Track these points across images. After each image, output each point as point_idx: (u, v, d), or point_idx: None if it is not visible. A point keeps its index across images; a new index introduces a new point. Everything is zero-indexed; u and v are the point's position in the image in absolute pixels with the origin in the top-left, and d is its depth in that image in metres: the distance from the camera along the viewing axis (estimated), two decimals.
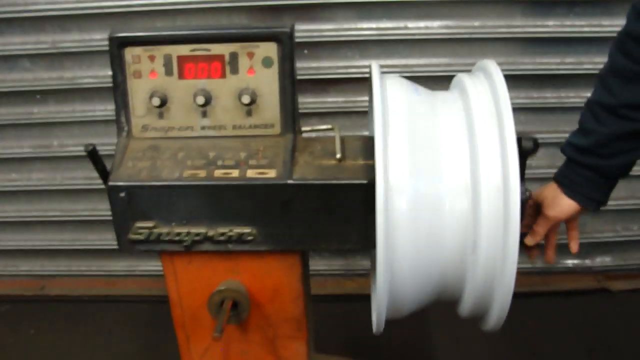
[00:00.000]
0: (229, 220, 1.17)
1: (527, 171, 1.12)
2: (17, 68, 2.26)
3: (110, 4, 2.12)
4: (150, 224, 1.18)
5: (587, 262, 2.56)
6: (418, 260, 1.03)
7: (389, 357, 2.13)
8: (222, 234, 1.17)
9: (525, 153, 1.08)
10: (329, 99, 2.28)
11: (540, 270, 2.51)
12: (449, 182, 1.03)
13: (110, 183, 1.16)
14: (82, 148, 1.16)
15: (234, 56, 1.18)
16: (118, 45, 1.19)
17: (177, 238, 1.18)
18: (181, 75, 1.20)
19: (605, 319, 2.34)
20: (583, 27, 2.14)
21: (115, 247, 1.21)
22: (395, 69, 2.19)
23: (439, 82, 1.49)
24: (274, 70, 1.19)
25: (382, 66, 1.16)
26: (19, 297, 2.57)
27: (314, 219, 1.15)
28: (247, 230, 1.17)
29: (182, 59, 1.19)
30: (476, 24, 2.15)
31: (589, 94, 1.23)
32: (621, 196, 2.37)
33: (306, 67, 2.19)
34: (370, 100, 1.28)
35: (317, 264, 2.55)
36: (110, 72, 1.22)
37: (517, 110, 1.03)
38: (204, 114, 1.22)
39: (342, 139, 1.21)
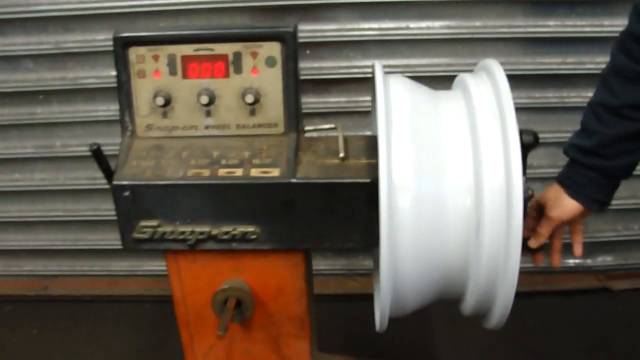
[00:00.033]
0: (232, 219, 1.17)
1: (528, 171, 1.12)
2: (20, 68, 2.27)
3: (113, 5, 2.12)
4: (154, 222, 1.18)
5: (589, 261, 2.56)
6: (421, 258, 1.04)
7: (391, 356, 2.13)
8: (226, 233, 1.18)
9: (525, 147, 1.08)
10: (331, 99, 2.28)
11: (542, 269, 2.51)
12: (452, 181, 1.04)
13: (115, 182, 1.17)
14: (85, 148, 1.17)
15: (237, 56, 1.19)
16: (122, 45, 1.20)
17: (181, 237, 1.19)
18: (185, 75, 1.21)
19: (607, 318, 2.34)
20: (584, 27, 2.15)
21: (118, 247, 1.22)
22: (397, 69, 2.20)
23: (441, 82, 1.49)
24: (278, 69, 1.20)
25: (384, 66, 1.17)
26: (22, 297, 2.58)
27: (317, 218, 1.16)
28: (250, 229, 1.17)
29: (186, 59, 1.20)
30: (477, 24, 2.16)
31: (590, 94, 1.23)
32: (622, 196, 2.37)
33: (308, 67, 2.19)
34: (374, 100, 1.29)
35: (319, 264, 2.55)
36: (113, 72, 1.23)
37: (518, 110, 1.03)
38: (208, 114, 1.23)
39: (345, 139, 1.21)
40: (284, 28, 1.18)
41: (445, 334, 2.26)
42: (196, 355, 1.38)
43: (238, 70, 1.20)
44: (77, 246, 2.58)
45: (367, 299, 1.42)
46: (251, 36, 1.18)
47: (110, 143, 1.58)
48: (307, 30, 2.14)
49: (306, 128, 1.27)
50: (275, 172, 1.15)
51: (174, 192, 1.16)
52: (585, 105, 1.24)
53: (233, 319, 1.26)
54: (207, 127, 1.23)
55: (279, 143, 1.21)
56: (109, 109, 2.28)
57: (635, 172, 1.24)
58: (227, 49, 1.19)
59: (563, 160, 1.27)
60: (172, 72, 1.21)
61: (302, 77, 1.24)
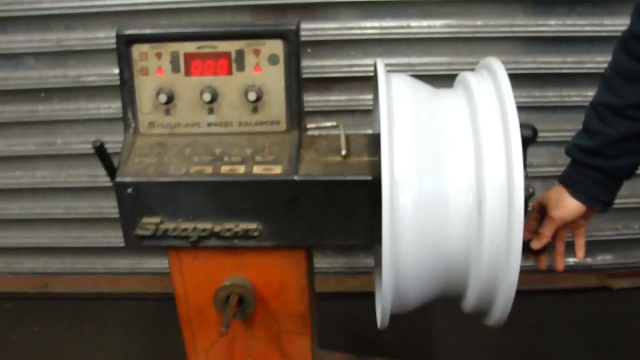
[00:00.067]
0: (235, 216, 1.18)
1: (528, 170, 1.13)
2: (22, 66, 2.27)
3: (115, 3, 2.12)
4: (156, 219, 1.19)
5: (589, 260, 2.57)
6: (423, 255, 1.04)
7: (391, 354, 2.14)
8: (228, 230, 1.18)
9: (524, 141, 1.08)
10: (332, 98, 2.28)
11: None
12: (454, 178, 1.04)
13: (118, 179, 1.17)
14: (86, 146, 1.18)
15: (240, 53, 1.20)
16: (125, 43, 1.21)
17: (183, 234, 1.19)
18: (188, 72, 1.21)
19: (607, 317, 2.34)
20: (584, 27, 2.15)
21: (119, 244, 1.23)
22: (398, 68, 2.20)
23: (441, 81, 1.49)
24: (280, 67, 1.20)
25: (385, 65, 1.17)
26: (23, 294, 2.58)
27: (319, 215, 1.17)
28: (253, 226, 1.18)
29: (188, 56, 1.20)
30: (478, 23, 2.16)
31: (590, 93, 1.23)
32: (622, 195, 2.33)
33: (310, 65, 2.20)
34: (376, 98, 1.29)
35: (320, 262, 2.55)
36: (115, 70, 1.24)
37: (518, 109, 1.03)
38: (211, 111, 1.23)
39: (347, 136, 1.22)
40: (286, 26, 1.19)
41: (446, 331, 2.26)
42: (198, 352, 1.39)
43: (241, 67, 1.20)
44: (78, 244, 2.58)
45: (368, 297, 1.42)
46: (254, 34, 1.19)
47: (112, 141, 1.58)
48: (309, 28, 2.14)
49: (308, 126, 1.28)
50: (277, 170, 1.16)
51: (177, 189, 1.17)
52: (585, 104, 1.24)
53: (235, 315, 1.26)
54: (209, 125, 1.24)
55: (281, 140, 1.22)
56: (111, 106, 2.29)
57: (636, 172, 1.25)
58: (229, 46, 1.19)
59: (563, 159, 1.27)
60: (175, 69, 1.21)
61: (303, 76, 1.25)
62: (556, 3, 2.13)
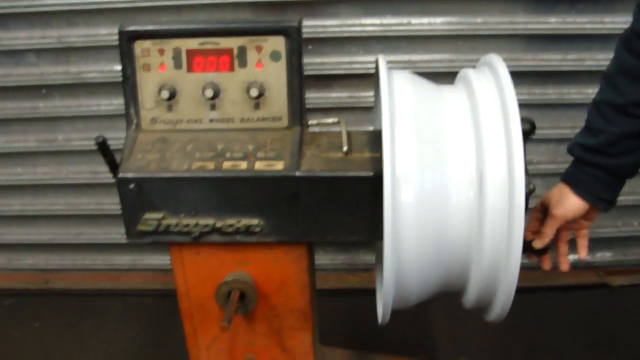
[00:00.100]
0: (236, 211, 1.18)
1: (528, 167, 1.13)
2: (23, 63, 2.27)
3: None
4: (159, 215, 1.19)
5: (588, 257, 2.57)
6: (424, 251, 1.05)
7: (391, 350, 2.14)
8: (230, 226, 1.19)
9: (523, 135, 1.08)
10: (333, 94, 2.29)
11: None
12: (455, 174, 1.04)
13: (120, 175, 1.18)
14: (87, 142, 1.18)
15: (242, 50, 1.20)
16: (128, 39, 1.21)
17: (185, 229, 1.20)
18: (190, 69, 1.22)
19: (606, 313, 2.35)
20: (585, 24, 2.15)
21: (120, 241, 1.23)
22: (399, 65, 2.20)
23: (442, 78, 1.50)
24: (282, 63, 1.20)
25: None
26: (24, 290, 2.58)
27: (321, 211, 1.17)
28: (254, 221, 1.18)
29: (191, 53, 1.21)
30: (479, 20, 2.17)
31: (591, 91, 1.23)
32: (622, 192, 2.34)
33: (310, 62, 2.20)
34: (377, 94, 1.29)
35: (320, 259, 2.56)
36: (116, 67, 1.24)
37: (519, 106, 1.04)
38: (213, 107, 1.23)
39: (348, 133, 1.22)
40: (288, 22, 1.19)
41: (446, 327, 2.27)
42: (199, 348, 1.39)
43: (243, 64, 1.21)
44: (79, 240, 2.59)
45: (368, 294, 1.42)
46: (256, 30, 1.19)
47: (113, 137, 1.57)
48: (309, 25, 2.15)
49: (310, 122, 1.28)
50: (279, 166, 1.16)
51: (179, 185, 1.17)
52: (585, 102, 1.24)
53: (236, 311, 1.27)
54: (211, 121, 1.24)
55: (283, 137, 1.22)
56: (112, 103, 2.29)
57: None
58: (232, 42, 1.20)
59: (563, 156, 1.27)
60: (177, 65, 1.22)
61: (304, 73, 1.25)
62: (557, 1, 2.14)
